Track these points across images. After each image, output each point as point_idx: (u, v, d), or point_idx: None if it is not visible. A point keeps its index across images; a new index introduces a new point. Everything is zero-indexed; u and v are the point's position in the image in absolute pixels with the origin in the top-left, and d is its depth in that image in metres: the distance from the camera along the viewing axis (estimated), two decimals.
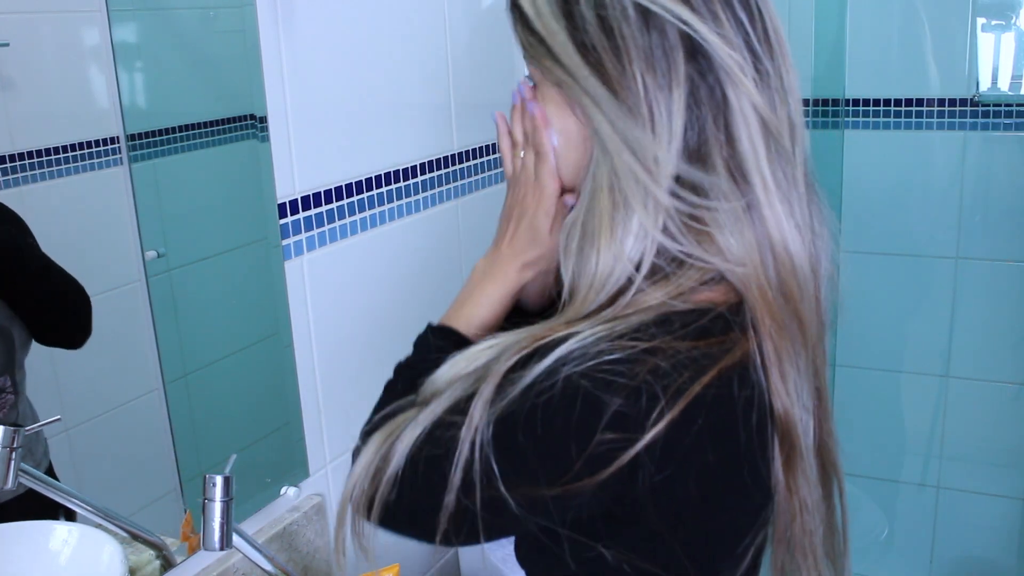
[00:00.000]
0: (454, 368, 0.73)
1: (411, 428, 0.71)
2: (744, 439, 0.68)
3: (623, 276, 0.70)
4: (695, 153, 0.69)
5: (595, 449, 0.63)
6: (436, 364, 0.76)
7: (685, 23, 0.67)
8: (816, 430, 0.74)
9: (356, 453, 0.77)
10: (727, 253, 0.69)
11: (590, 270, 0.71)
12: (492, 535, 0.73)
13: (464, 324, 0.84)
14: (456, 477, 0.67)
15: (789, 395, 0.69)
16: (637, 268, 0.69)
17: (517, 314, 0.89)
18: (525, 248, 0.84)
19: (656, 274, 0.70)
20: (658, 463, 0.64)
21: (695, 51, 0.68)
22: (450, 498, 0.67)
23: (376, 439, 0.74)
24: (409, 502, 0.71)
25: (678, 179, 0.69)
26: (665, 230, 0.69)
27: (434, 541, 0.70)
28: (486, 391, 0.67)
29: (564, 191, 0.82)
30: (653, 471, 0.64)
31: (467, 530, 0.69)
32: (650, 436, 0.62)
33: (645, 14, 0.68)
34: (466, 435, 0.66)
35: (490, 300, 0.85)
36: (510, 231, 0.85)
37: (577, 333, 0.66)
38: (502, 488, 0.65)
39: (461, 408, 0.68)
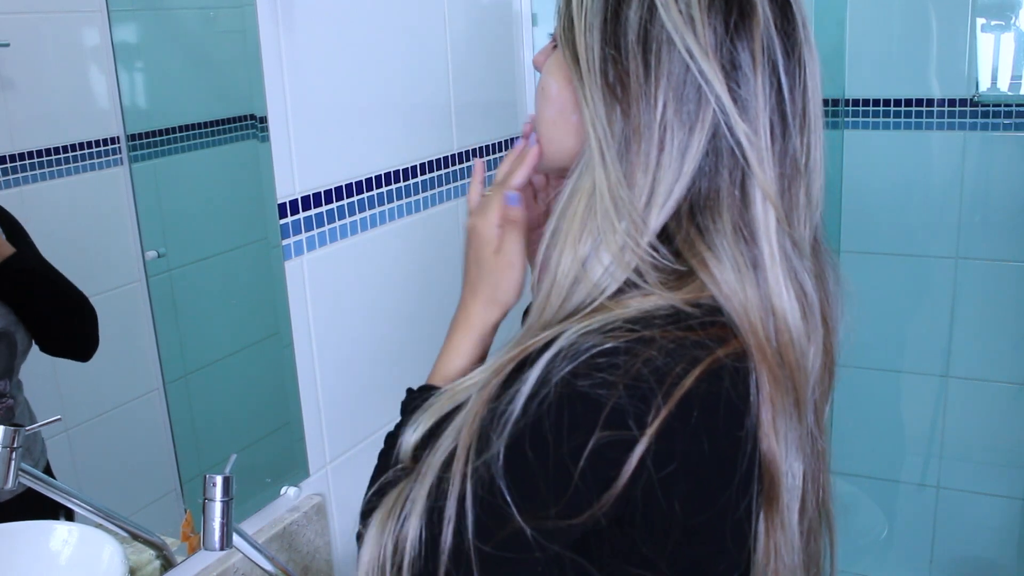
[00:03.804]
0: (428, 411, 0.71)
1: (418, 487, 0.67)
2: (737, 435, 0.66)
3: (583, 293, 0.68)
4: (703, 199, 0.68)
5: (597, 448, 0.61)
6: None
7: (707, 82, 0.65)
8: (813, 489, 0.72)
9: (359, 538, 0.73)
10: (723, 288, 0.66)
11: (557, 261, 0.70)
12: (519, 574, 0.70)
13: (441, 380, 0.83)
14: (467, 525, 0.63)
15: (778, 441, 0.67)
16: (598, 289, 0.68)
17: None
18: (476, 283, 0.83)
19: (635, 286, 0.68)
20: (660, 460, 0.62)
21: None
22: (471, 549, 0.64)
23: (377, 520, 0.70)
24: (437, 566, 0.66)
25: (678, 215, 0.68)
26: (636, 272, 0.68)
27: None
28: (466, 430, 0.65)
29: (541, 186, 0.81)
30: (655, 469, 0.62)
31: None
32: (650, 434, 0.61)
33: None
34: (454, 487, 0.64)
35: (463, 348, 0.84)
36: (465, 279, 0.85)
37: (561, 334, 0.64)
38: (518, 519, 0.63)
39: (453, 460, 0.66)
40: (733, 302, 0.66)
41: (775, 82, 0.67)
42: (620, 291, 0.68)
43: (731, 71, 0.66)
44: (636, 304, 0.66)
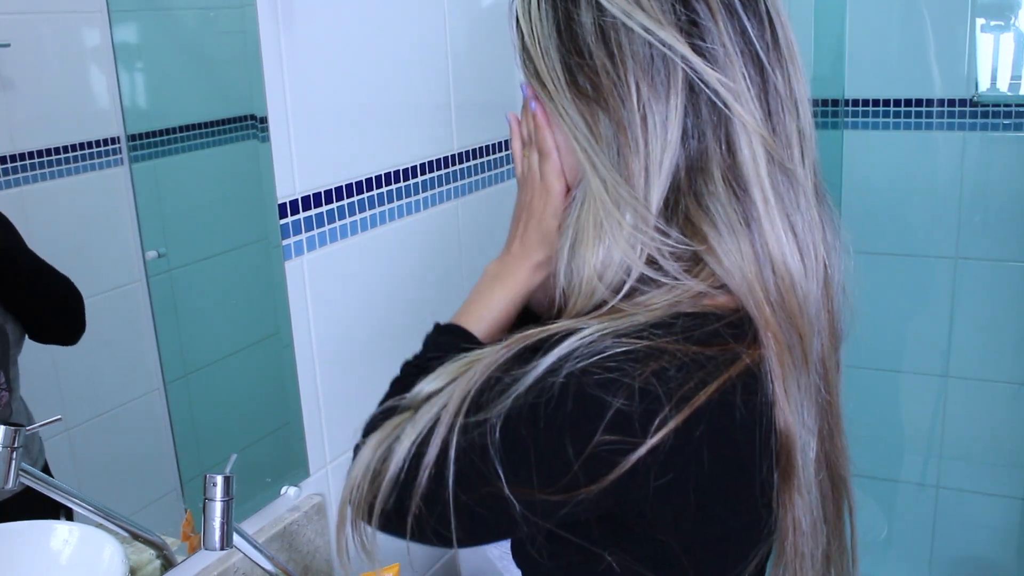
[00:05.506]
0: (448, 369, 0.72)
1: (410, 428, 0.69)
2: (745, 450, 0.67)
3: (606, 293, 0.69)
4: (694, 162, 0.68)
5: (595, 451, 0.62)
6: (440, 362, 0.75)
7: (670, 48, 0.66)
8: (825, 448, 0.73)
9: (357, 450, 0.76)
10: (725, 262, 0.67)
11: (579, 276, 0.71)
12: (489, 537, 0.73)
13: (473, 324, 0.84)
14: (450, 475, 0.66)
15: (792, 411, 0.68)
16: (617, 291, 0.69)
17: (527, 319, 0.89)
18: (534, 249, 0.83)
19: (655, 282, 0.69)
20: (659, 469, 0.63)
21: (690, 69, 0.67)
22: (447, 498, 0.66)
23: (374, 439, 0.73)
24: (408, 506, 0.69)
25: (675, 186, 0.68)
26: (651, 261, 0.69)
27: (435, 544, 0.70)
28: (462, 385, 0.67)
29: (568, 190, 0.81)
30: (653, 477, 0.63)
31: (467, 531, 0.68)
32: (652, 442, 0.61)
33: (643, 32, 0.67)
34: (438, 435, 0.66)
35: (500, 302, 0.84)
36: (519, 233, 0.84)
37: (580, 329, 0.65)
38: (505, 488, 0.64)
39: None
40: (735, 277, 0.67)
41: (738, 25, 0.68)
42: (639, 290, 0.69)
43: (691, 29, 0.67)
44: (659, 302, 0.67)
